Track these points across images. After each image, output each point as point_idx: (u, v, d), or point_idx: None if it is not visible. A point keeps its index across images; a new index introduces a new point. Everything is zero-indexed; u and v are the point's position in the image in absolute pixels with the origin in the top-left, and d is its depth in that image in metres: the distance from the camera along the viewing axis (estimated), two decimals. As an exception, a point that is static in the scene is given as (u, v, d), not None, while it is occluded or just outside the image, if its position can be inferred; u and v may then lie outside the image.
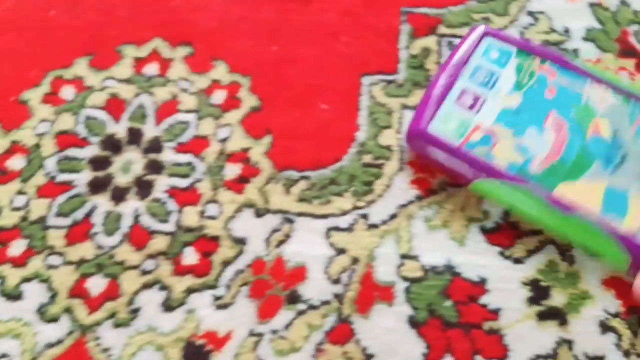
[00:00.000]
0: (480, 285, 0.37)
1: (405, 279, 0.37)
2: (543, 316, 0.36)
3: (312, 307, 0.36)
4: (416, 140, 0.39)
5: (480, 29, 0.41)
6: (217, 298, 0.36)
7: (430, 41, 0.45)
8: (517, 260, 0.37)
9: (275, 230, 0.38)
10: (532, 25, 0.46)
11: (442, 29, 0.46)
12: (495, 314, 0.36)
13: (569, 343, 0.35)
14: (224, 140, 0.41)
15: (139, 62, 0.45)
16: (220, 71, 0.44)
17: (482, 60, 0.40)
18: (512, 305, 0.36)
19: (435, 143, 0.38)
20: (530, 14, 0.46)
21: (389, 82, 0.43)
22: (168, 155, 0.41)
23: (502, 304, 0.36)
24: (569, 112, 0.38)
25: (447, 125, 0.38)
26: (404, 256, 0.38)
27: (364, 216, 0.39)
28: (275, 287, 0.36)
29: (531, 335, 0.35)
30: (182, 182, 0.40)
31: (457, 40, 0.45)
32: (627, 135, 0.37)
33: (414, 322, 0.36)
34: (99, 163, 0.41)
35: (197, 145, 0.41)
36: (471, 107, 0.39)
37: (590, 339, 0.35)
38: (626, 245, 0.33)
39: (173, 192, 0.39)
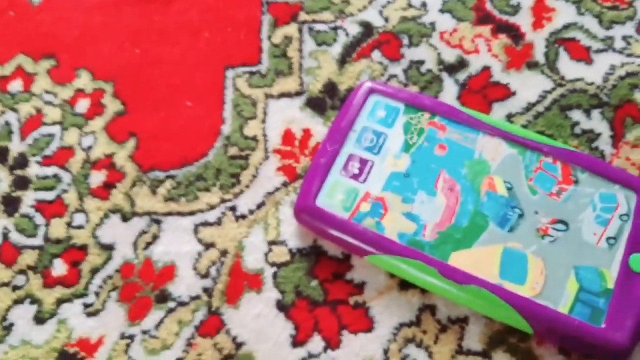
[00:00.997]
0: (345, 262, 0.38)
1: (272, 264, 0.38)
2: (404, 286, 0.37)
3: (182, 304, 0.37)
4: (304, 216, 0.37)
5: (365, 86, 0.40)
6: (88, 306, 0.37)
7: (291, 29, 0.46)
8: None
9: (142, 233, 0.39)
10: (390, 3, 0.46)
11: (303, 16, 0.46)
12: (359, 288, 0.37)
13: (431, 308, 0.36)
14: (88, 148, 0.41)
15: (3, 80, 0.45)
16: (83, 80, 0.44)
17: (368, 121, 0.39)
18: (375, 278, 0.37)
19: (324, 218, 0.36)
20: (388, -9, 0.47)
21: (252, 73, 0.44)
22: (34, 170, 0.41)
23: (366, 278, 0.37)
24: (460, 170, 0.36)
25: (334, 197, 0.36)
26: (272, 242, 0.39)
27: (232, 208, 0.40)
28: (144, 288, 0.37)
29: (394, 305, 0.37)
30: (49, 195, 0.40)
31: (318, 26, 0.45)
32: (523, 191, 0.36)
33: (281, 306, 0.37)
34: (-35, 186, 0.41)
35: (62, 156, 0.42)
36: (358, 175, 0.37)
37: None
38: (527, 313, 0.32)
39: (40, 206, 0.40)
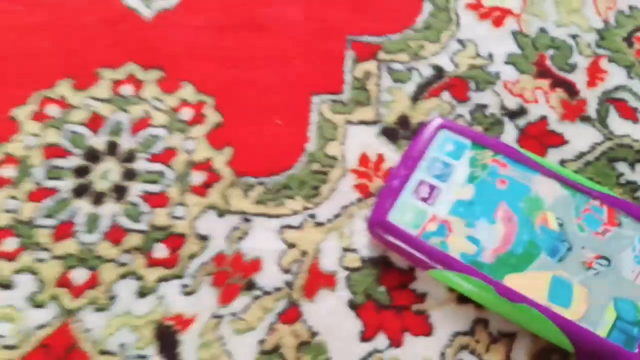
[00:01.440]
0: (409, 274, 0.43)
1: (346, 268, 0.43)
2: (462, 300, 0.42)
3: (266, 293, 0.42)
4: (377, 229, 0.41)
5: (436, 122, 0.44)
6: (184, 286, 0.42)
7: (371, 66, 0.52)
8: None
9: (235, 229, 0.44)
10: (460, 51, 0.52)
11: (382, 55, 0.52)
12: (422, 297, 0.42)
13: (484, 322, 0.41)
14: (190, 151, 0.47)
15: (116, 83, 0.51)
16: (187, 91, 0.50)
17: (437, 152, 0.43)
18: (435, 290, 0.42)
19: (394, 232, 0.40)
20: (459, 41, 0.53)
21: (335, 101, 0.50)
22: (141, 165, 0.47)
23: (428, 289, 0.42)
24: (518, 204, 0.40)
25: (405, 215, 0.40)
26: (345, 249, 0.44)
27: (312, 216, 0.45)
28: (234, 276, 0.42)
29: (452, 315, 0.42)
30: (154, 188, 0.46)
31: (395, 65, 0.51)
32: (572, 227, 0.39)
33: (352, 305, 0.42)
34: (80, 171, 0.46)
35: (167, 155, 0.47)
36: (427, 198, 0.41)
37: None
38: (570, 333, 0.36)
39: (145, 196, 0.45)
